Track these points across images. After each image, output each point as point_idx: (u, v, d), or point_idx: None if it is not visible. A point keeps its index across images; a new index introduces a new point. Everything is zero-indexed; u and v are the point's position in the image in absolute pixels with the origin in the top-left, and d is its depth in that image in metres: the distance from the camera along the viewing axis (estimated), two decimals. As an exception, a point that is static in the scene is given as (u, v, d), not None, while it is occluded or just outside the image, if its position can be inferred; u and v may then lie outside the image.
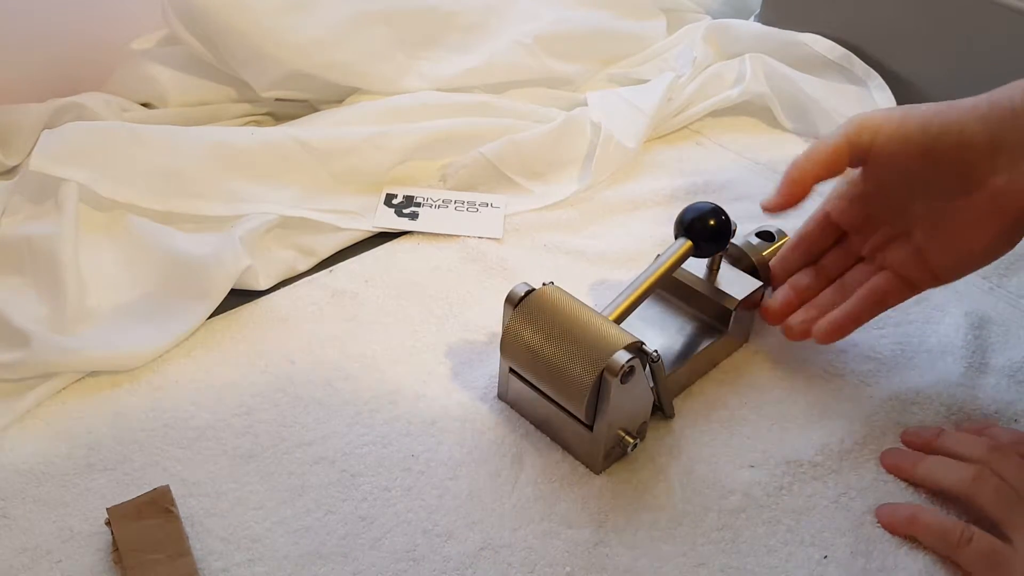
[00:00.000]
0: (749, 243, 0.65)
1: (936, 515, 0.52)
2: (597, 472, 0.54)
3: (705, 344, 0.60)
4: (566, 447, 0.56)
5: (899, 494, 0.54)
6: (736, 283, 0.62)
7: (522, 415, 0.58)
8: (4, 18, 0.80)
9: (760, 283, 0.62)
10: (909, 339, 0.65)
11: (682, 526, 0.52)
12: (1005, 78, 0.75)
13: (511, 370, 0.57)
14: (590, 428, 0.53)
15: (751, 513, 0.53)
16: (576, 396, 0.51)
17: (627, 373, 0.50)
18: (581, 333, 0.52)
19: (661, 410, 0.57)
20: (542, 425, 0.57)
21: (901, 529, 0.52)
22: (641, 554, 0.50)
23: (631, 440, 0.54)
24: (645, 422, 0.55)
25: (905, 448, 0.57)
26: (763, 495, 0.54)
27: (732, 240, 0.63)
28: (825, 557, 0.51)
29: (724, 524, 0.52)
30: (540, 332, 0.53)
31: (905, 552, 0.51)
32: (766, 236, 0.66)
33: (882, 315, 0.63)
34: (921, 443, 0.57)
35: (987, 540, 0.50)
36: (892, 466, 0.56)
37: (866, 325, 0.59)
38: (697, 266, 0.62)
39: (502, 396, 0.59)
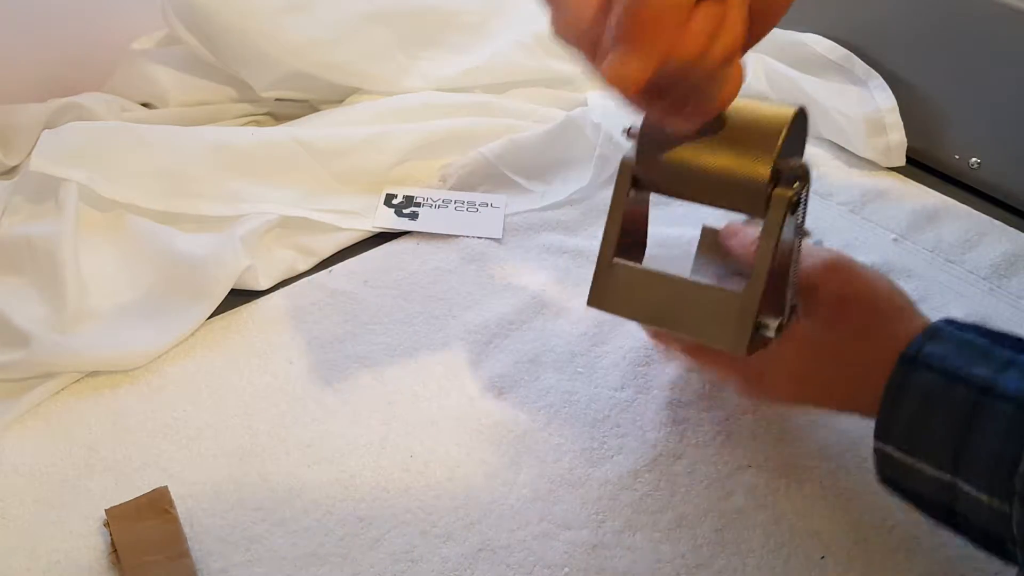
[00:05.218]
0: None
1: None
2: (743, 351, 0.45)
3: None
4: (696, 329, 0.47)
5: (898, 495, 0.54)
6: None
7: (630, 312, 0.49)
8: (4, 18, 0.80)
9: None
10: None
11: (681, 527, 0.52)
12: (1005, 78, 0.76)
13: (617, 252, 0.49)
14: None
15: (750, 514, 0.53)
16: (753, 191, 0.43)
17: (796, 204, 0.43)
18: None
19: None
20: (662, 312, 0.48)
21: None
22: (640, 556, 0.50)
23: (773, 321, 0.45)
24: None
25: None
26: (762, 496, 0.54)
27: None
28: (823, 558, 0.51)
29: (723, 525, 0.52)
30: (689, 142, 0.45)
31: (904, 554, 0.51)
32: None
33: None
34: None
35: None
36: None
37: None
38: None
39: (597, 300, 0.50)
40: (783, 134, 0.43)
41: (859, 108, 0.82)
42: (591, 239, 0.73)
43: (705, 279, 0.51)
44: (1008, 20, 0.74)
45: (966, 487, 0.43)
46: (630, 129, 0.48)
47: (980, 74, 0.77)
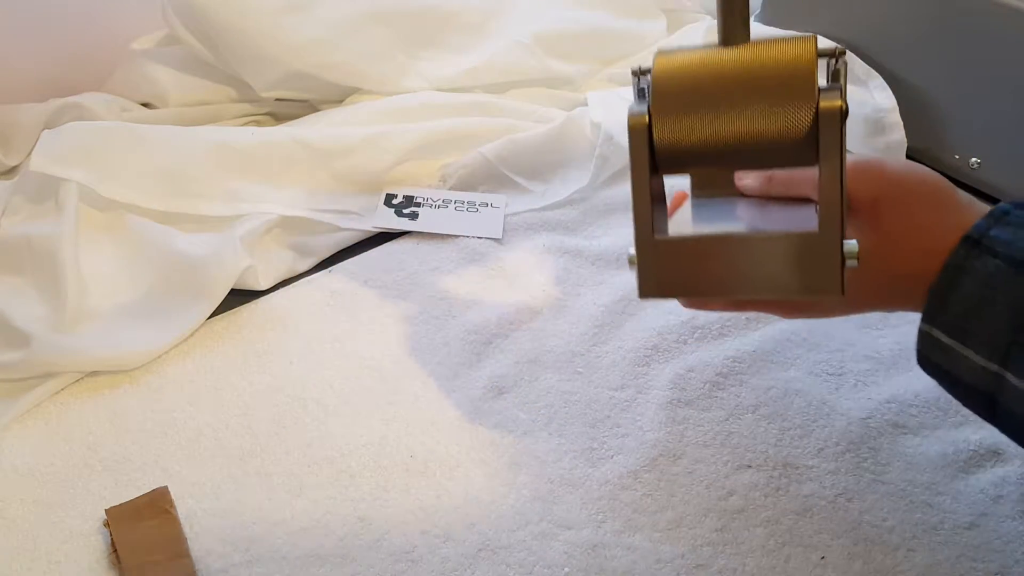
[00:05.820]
0: None
1: None
2: (839, 291, 0.40)
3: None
4: (774, 286, 0.41)
5: (897, 495, 0.54)
6: None
7: (691, 289, 0.43)
8: (4, 18, 0.80)
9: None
10: (908, 339, 0.64)
11: (681, 527, 0.52)
12: (1005, 78, 0.76)
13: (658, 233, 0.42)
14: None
15: (750, 514, 0.53)
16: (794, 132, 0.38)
17: (847, 113, 0.38)
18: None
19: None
20: (730, 278, 0.41)
21: None
22: (640, 556, 0.50)
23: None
24: None
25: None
26: (761, 496, 0.54)
27: None
28: (823, 558, 0.51)
29: (723, 525, 0.52)
30: (707, 99, 0.39)
31: (904, 553, 0.51)
32: None
33: (882, 315, 0.63)
34: None
35: None
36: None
37: (865, 325, 0.58)
38: None
39: (650, 288, 0.42)
40: (815, 74, 0.38)
41: (859, 108, 0.82)
42: (591, 239, 0.73)
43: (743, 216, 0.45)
44: (1008, 20, 0.74)
45: (1015, 380, 0.41)
46: (639, 68, 0.42)
47: (980, 74, 0.77)
